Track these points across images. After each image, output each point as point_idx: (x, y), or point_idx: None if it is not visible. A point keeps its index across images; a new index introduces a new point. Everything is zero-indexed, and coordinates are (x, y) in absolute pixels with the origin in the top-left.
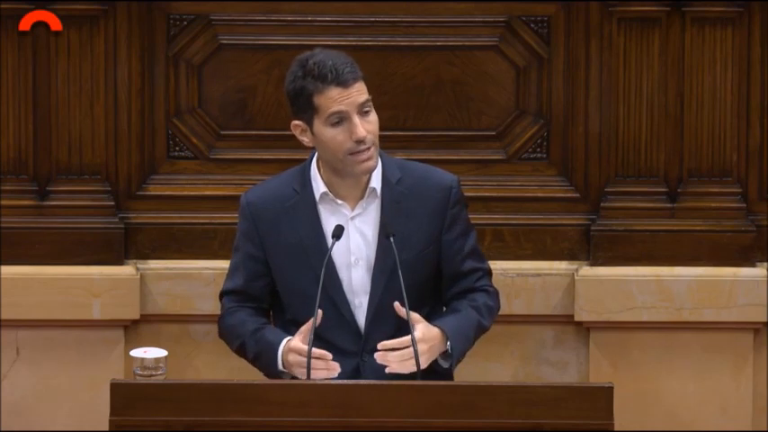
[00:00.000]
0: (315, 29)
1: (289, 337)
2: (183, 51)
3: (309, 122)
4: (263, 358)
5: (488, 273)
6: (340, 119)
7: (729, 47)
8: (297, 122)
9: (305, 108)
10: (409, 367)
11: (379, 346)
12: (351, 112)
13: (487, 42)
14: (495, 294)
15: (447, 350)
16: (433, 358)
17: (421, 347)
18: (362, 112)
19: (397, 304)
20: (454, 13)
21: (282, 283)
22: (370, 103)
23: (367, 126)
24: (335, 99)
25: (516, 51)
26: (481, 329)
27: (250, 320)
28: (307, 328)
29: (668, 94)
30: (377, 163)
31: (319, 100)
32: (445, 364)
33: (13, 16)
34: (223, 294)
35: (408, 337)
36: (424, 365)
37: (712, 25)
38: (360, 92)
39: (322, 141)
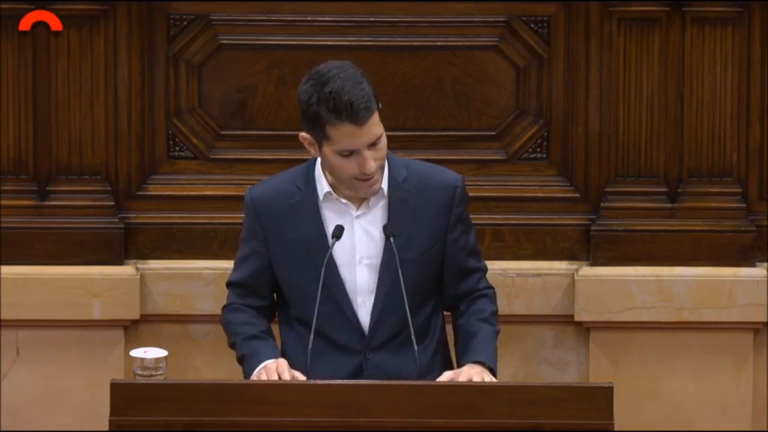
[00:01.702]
0: (315, 29)
1: (274, 361)
2: (183, 51)
3: (319, 142)
4: (244, 365)
5: (485, 271)
6: (350, 152)
7: (729, 47)
8: (305, 136)
9: (316, 130)
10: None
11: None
12: (361, 149)
13: (487, 42)
14: (494, 296)
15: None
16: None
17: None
18: (373, 144)
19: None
20: (454, 13)
21: (285, 280)
22: (382, 134)
23: (376, 154)
24: (348, 135)
25: (516, 51)
26: (497, 337)
27: (250, 322)
28: (289, 371)
29: (668, 94)
30: (380, 185)
31: (332, 132)
32: None
33: (13, 16)
34: (229, 284)
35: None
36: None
37: (712, 25)
38: (373, 126)
39: (329, 163)
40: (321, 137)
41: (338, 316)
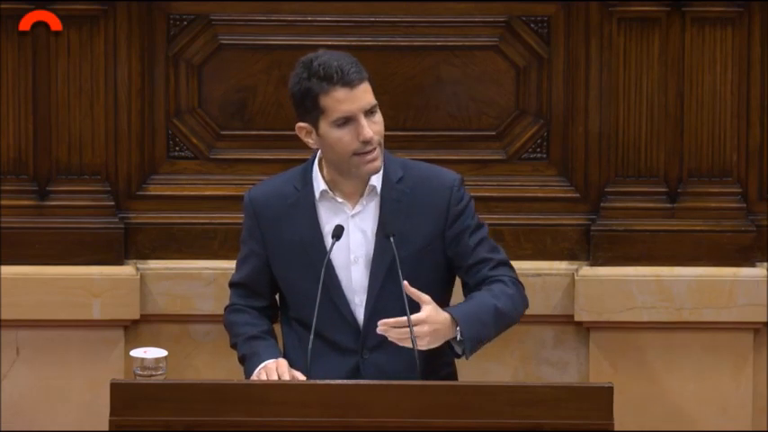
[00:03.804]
0: (315, 29)
1: (274, 360)
2: (183, 51)
3: (315, 124)
4: (245, 365)
5: (504, 263)
6: (347, 120)
7: (729, 47)
8: (302, 125)
9: (310, 109)
10: (408, 343)
11: (380, 323)
12: (357, 114)
13: (487, 42)
14: (513, 282)
15: (457, 336)
16: (438, 343)
17: (421, 329)
18: (369, 113)
19: (405, 283)
20: (454, 13)
21: (283, 281)
22: (377, 106)
23: (373, 126)
24: (342, 100)
25: (516, 51)
26: (500, 314)
27: (251, 323)
28: (289, 371)
29: (668, 94)
30: (382, 163)
31: (325, 101)
32: (459, 350)
33: (13, 16)
34: (231, 285)
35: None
36: (423, 347)
37: (712, 25)
38: (365, 92)
39: (328, 142)
40: (316, 115)
41: (335, 316)
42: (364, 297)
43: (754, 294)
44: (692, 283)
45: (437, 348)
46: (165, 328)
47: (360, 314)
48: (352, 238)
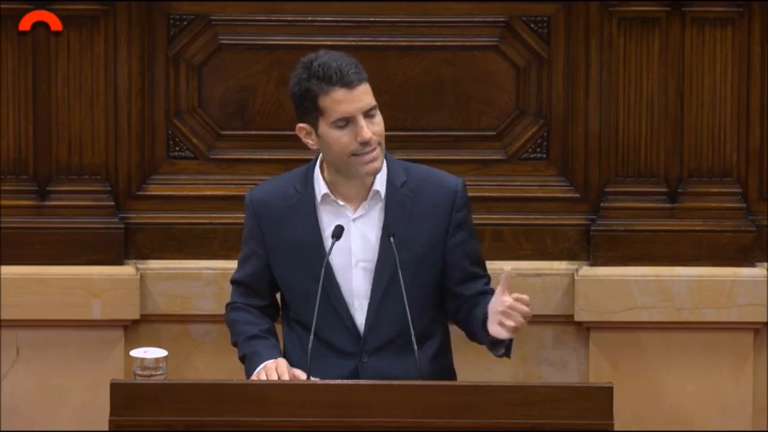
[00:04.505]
0: (315, 29)
1: (274, 360)
2: (183, 51)
3: (314, 124)
4: (246, 364)
5: (488, 278)
6: (346, 121)
7: (729, 47)
8: (302, 125)
9: (310, 110)
10: (519, 325)
11: (514, 296)
12: (356, 114)
13: (487, 42)
14: None
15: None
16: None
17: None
18: (368, 114)
19: (508, 269)
20: (454, 13)
21: (283, 282)
22: (376, 108)
23: (372, 128)
24: (341, 101)
25: (516, 51)
26: None
27: (252, 321)
28: (289, 371)
29: (668, 94)
30: (382, 164)
31: (325, 102)
32: (500, 351)
33: (13, 16)
34: (232, 282)
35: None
36: (513, 334)
37: (712, 25)
38: (365, 93)
39: (327, 143)
40: (316, 116)
41: (334, 319)
42: (364, 301)
43: (754, 294)
44: (692, 283)
45: (436, 351)
46: (165, 328)
47: (359, 318)
48: (353, 241)
